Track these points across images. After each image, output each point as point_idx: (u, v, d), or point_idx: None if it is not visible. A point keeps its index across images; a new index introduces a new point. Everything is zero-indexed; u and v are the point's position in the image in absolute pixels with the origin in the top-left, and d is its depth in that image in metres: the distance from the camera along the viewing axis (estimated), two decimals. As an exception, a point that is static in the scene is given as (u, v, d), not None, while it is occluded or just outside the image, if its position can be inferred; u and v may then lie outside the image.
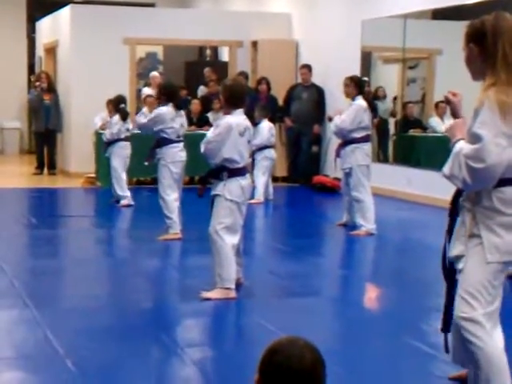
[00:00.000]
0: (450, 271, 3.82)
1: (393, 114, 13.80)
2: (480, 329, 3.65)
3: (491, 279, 3.66)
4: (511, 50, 3.60)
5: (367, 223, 9.20)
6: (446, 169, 3.67)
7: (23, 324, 5.68)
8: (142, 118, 9.17)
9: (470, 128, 3.61)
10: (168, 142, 8.77)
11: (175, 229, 8.74)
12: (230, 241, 6.27)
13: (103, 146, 11.64)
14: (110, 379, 4.63)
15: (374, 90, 13.79)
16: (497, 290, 3.70)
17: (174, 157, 8.77)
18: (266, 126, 12.23)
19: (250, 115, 11.84)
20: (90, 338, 5.29)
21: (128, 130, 11.55)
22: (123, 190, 11.32)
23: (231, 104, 6.40)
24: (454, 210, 3.80)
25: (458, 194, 3.79)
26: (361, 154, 9.29)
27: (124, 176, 11.42)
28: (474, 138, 3.56)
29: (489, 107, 3.54)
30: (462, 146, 3.62)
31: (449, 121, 3.95)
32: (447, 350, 3.98)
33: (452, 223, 3.80)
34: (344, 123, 9.24)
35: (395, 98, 13.78)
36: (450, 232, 3.80)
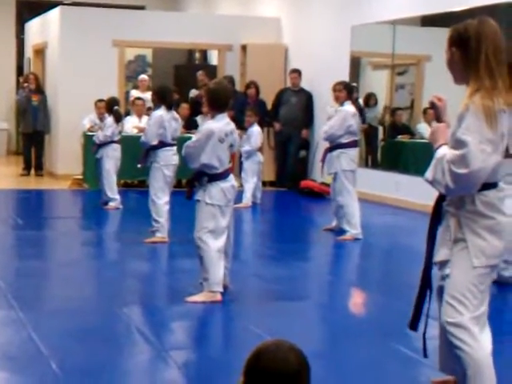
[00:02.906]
0: (429, 273, 3.81)
1: (381, 122, 13.78)
2: (467, 334, 3.65)
3: (477, 283, 3.67)
4: (494, 56, 3.60)
5: (352, 228, 9.21)
6: (429, 174, 3.67)
7: (8, 325, 5.65)
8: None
9: (454, 133, 3.61)
10: (162, 144, 8.78)
11: (162, 233, 8.73)
12: (214, 245, 6.26)
13: (93, 147, 11.59)
14: (94, 381, 4.61)
15: (365, 97, 13.80)
16: (483, 294, 3.70)
17: (168, 160, 8.78)
18: (256, 130, 12.24)
19: (239, 119, 11.97)
20: (74, 340, 5.27)
21: (120, 132, 11.51)
22: (113, 193, 11.27)
23: (214, 108, 6.37)
24: (437, 214, 3.80)
25: (440, 199, 3.79)
26: (346, 159, 9.30)
27: (115, 178, 11.39)
28: (459, 144, 3.56)
29: (474, 113, 3.54)
30: (444, 152, 3.62)
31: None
32: (425, 355, 3.97)
33: (434, 227, 3.80)
34: (332, 129, 9.27)
35: (386, 108, 13.76)
36: (431, 236, 3.80)
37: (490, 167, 3.56)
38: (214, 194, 6.25)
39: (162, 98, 8.87)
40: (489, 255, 3.66)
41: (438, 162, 3.63)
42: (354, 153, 9.41)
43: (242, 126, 12.53)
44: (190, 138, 6.69)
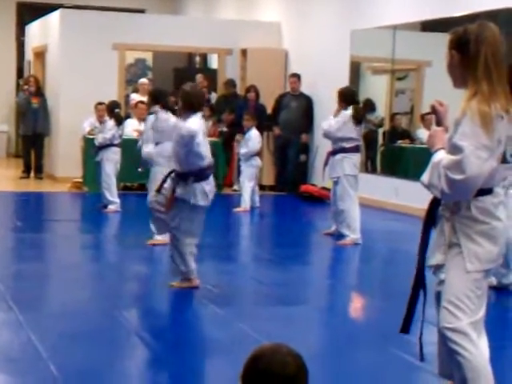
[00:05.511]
0: (422, 276, 3.80)
1: (379, 125, 13.75)
2: (466, 339, 3.65)
3: (473, 288, 3.66)
4: (493, 60, 3.60)
5: (352, 233, 9.20)
6: (425, 178, 3.68)
7: (7, 327, 5.66)
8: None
9: (451, 138, 3.61)
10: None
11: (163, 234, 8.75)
12: None
13: (93, 150, 11.59)
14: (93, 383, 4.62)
15: (362, 102, 13.75)
16: (480, 299, 3.70)
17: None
18: (254, 134, 12.23)
19: (239, 123, 11.99)
20: (73, 342, 5.27)
21: (121, 135, 11.50)
22: (113, 196, 11.25)
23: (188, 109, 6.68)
24: (430, 217, 3.80)
25: (434, 202, 3.79)
26: (348, 164, 9.30)
27: (115, 181, 11.38)
28: (455, 149, 3.56)
29: (470, 118, 3.54)
30: (441, 157, 3.62)
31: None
32: (422, 359, 3.96)
33: (427, 230, 3.80)
34: (331, 128, 9.30)
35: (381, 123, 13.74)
36: (424, 239, 3.80)
37: (485, 173, 3.56)
38: None
39: (158, 101, 8.91)
40: (483, 260, 3.66)
41: (434, 166, 3.63)
42: (356, 158, 9.41)
43: (242, 130, 12.56)
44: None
